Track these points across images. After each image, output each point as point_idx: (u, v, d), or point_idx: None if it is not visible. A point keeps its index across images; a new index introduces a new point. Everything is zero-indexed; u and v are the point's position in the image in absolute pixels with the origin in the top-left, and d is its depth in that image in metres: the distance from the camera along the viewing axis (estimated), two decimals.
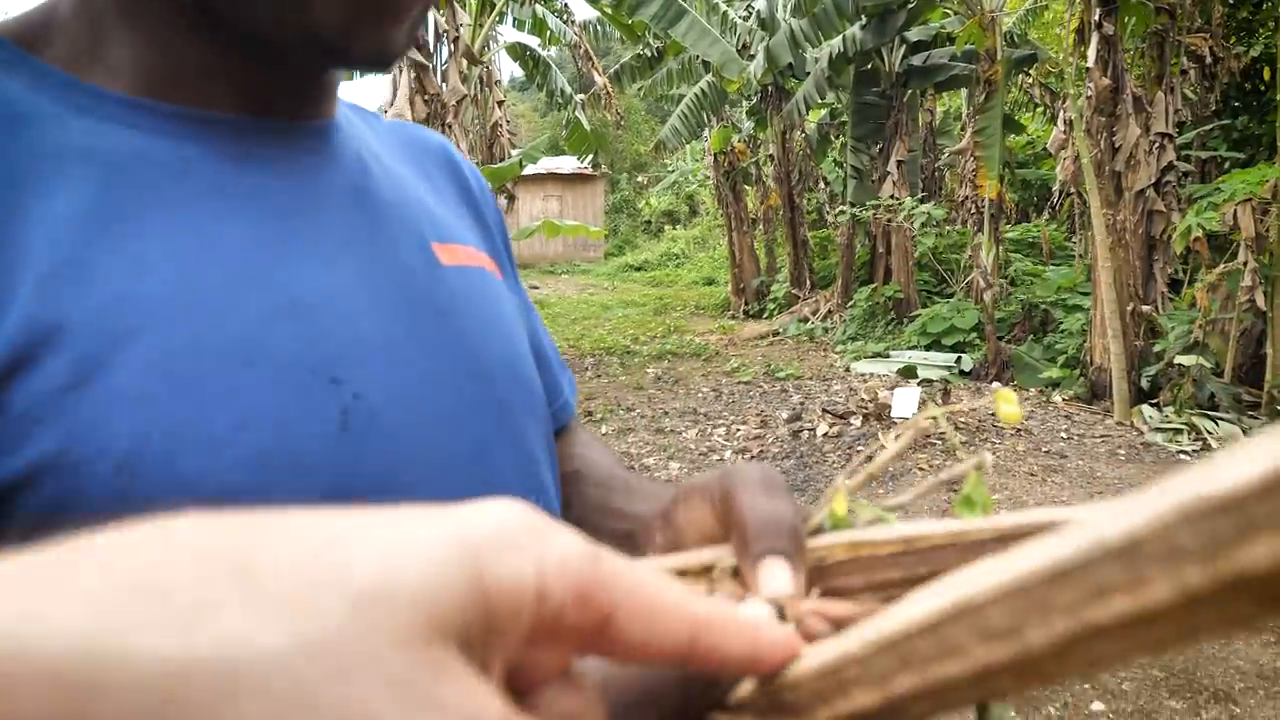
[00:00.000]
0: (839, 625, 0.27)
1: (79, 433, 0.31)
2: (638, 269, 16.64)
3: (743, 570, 0.29)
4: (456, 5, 5.04)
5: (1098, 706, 2.10)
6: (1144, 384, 4.81)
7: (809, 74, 7.79)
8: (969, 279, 7.18)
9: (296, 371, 0.36)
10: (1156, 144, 4.88)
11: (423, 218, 0.48)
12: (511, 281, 0.59)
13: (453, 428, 0.43)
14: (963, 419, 4.69)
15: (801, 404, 5.41)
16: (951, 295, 7.62)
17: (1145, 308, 4.98)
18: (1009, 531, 0.25)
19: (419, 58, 4.65)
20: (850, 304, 8.28)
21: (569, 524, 0.46)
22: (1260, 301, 4.12)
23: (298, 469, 0.35)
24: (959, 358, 6.31)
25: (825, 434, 4.60)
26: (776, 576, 0.27)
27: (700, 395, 5.94)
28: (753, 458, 4.36)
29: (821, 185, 10.91)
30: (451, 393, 0.43)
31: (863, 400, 4.98)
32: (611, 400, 5.85)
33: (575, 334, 8.90)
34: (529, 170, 13.58)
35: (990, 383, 5.94)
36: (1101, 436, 4.42)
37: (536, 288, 14.33)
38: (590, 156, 6.85)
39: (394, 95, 4.68)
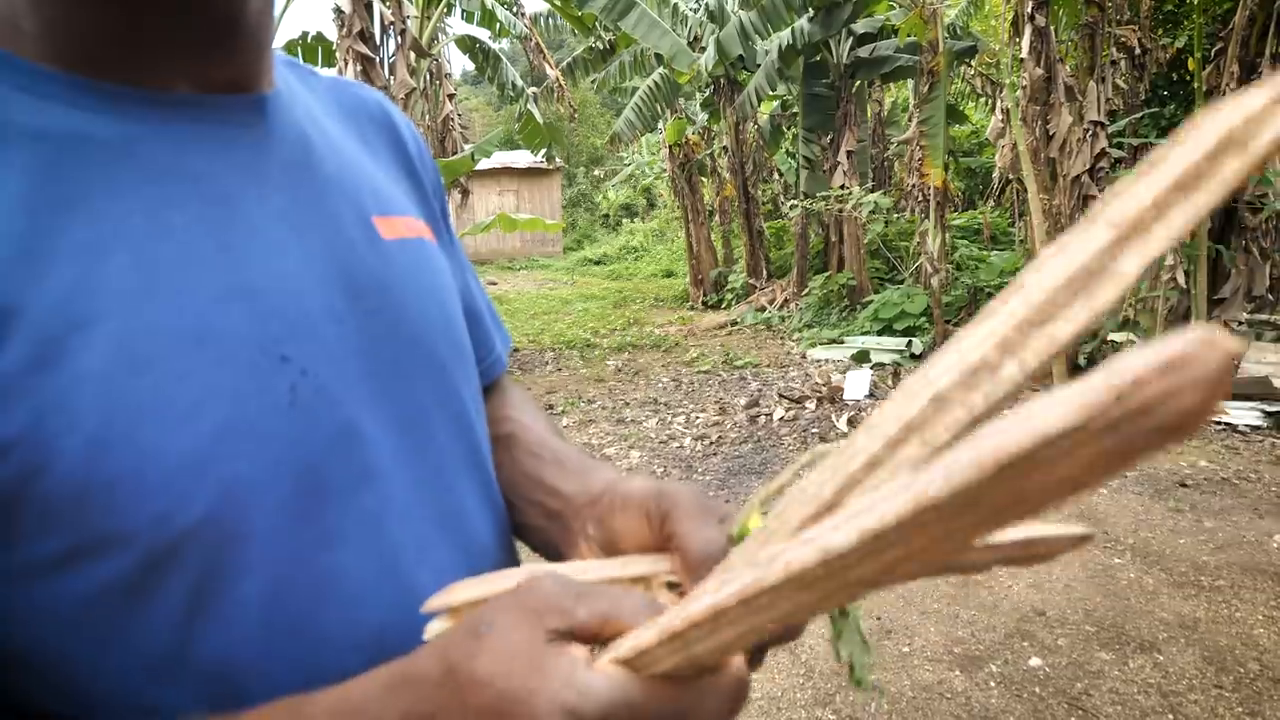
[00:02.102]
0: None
1: (48, 410, 0.33)
2: (597, 263, 16.62)
3: (685, 586, 0.36)
4: None
5: (1035, 662, 2.22)
6: (1080, 360, 5.04)
7: (760, 66, 7.89)
8: (917, 265, 7.40)
9: (247, 350, 0.38)
10: (1089, 131, 5.09)
11: (364, 190, 0.49)
12: (446, 242, 0.60)
13: (390, 396, 0.45)
14: None
15: (759, 391, 5.51)
16: (902, 281, 7.83)
17: None
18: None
19: (364, 49, 4.58)
20: (806, 292, 8.44)
21: (500, 486, 0.51)
22: (1182, 280, 4.35)
23: (252, 440, 0.37)
24: (910, 341, 6.49)
25: (781, 418, 4.70)
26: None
27: (660, 385, 6.00)
28: (711, 444, 4.44)
29: (776, 176, 11.08)
30: (389, 365, 0.45)
31: (817, 385, 5.10)
32: (572, 393, 5.87)
33: (535, 329, 8.88)
34: (484, 165, 13.44)
35: None
36: None
37: (495, 284, 14.22)
38: (544, 150, 6.83)
39: None
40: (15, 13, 0.37)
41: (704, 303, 10.26)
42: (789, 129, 9.83)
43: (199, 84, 0.41)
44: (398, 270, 0.48)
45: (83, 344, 0.34)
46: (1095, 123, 5.07)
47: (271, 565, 0.38)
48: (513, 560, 0.54)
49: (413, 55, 5.05)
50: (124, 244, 0.36)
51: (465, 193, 6.82)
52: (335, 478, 0.41)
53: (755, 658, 0.38)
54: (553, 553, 0.51)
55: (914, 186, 7.55)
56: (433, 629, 0.37)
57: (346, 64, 4.58)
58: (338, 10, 4.54)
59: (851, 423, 4.48)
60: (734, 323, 8.61)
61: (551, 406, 5.49)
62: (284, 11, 5.55)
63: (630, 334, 8.19)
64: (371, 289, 0.45)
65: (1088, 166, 5.05)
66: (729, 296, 9.86)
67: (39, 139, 0.36)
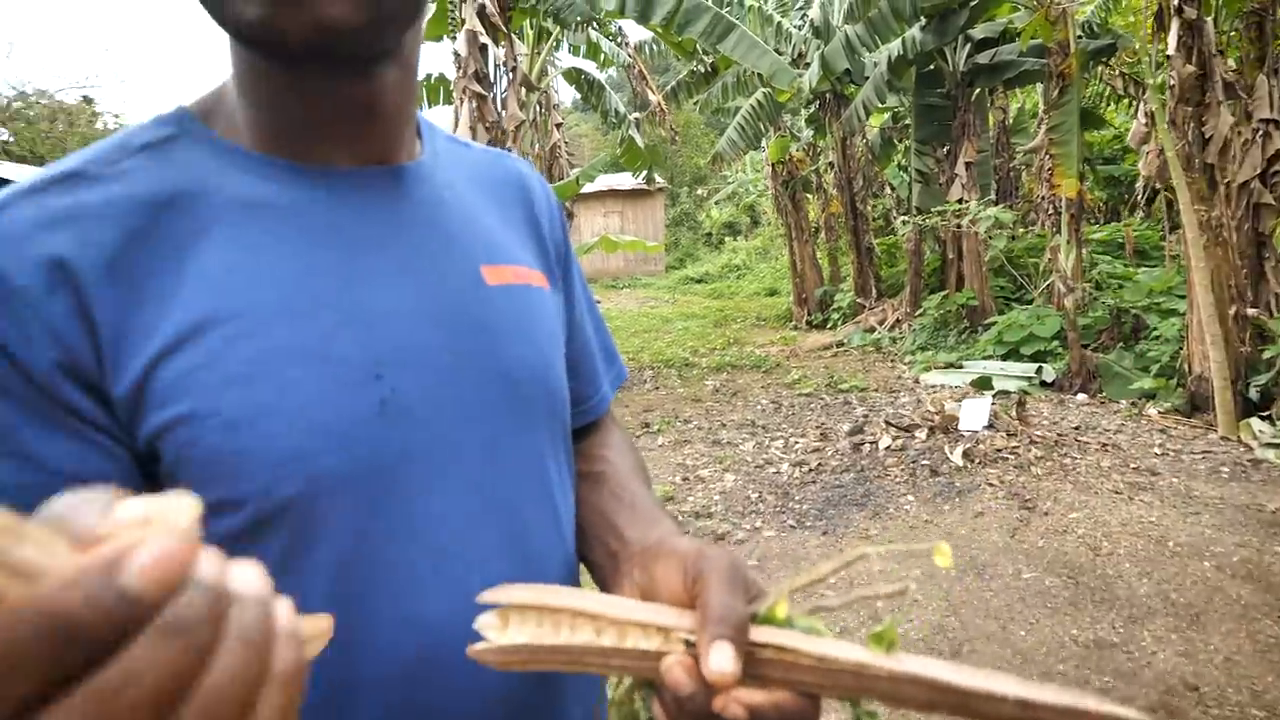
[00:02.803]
0: (752, 712, 0.36)
1: (202, 400, 0.44)
2: (698, 281, 16.60)
3: (699, 644, 0.37)
4: (515, 38, 5.18)
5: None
6: (1253, 394, 4.44)
7: (868, 78, 7.62)
8: (1048, 283, 6.84)
9: (351, 368, 0.48)
10: (1260, 132, 4.52)
11: (478, 244, 0.58)
12: (559, 288, 0.67)
13: (470, 420, 0.53)
14: (1040, 432, 4.45)
15: (865, 416, 5.24)
16: (1030, 301, 7.27)
17: (1251, 311, 4.60)
18: (899, 676, 0.34)
19: (478, 89, 4.79)
20: (919, 312, 8.01)
21: (578, 518, 0.64)
22: None
23: (343, 440, 0.47)
24: (1040, 368, 6.00)
25: (888, 447, 4.43)
26: (723, 655, 0.36)
27: (759, 407, 5.84)
28: (811, 471, 4.24)
29: (887, 190, 10.65)
30: (475, 391, 0.53)
31: (929, 413, 4.78)
32: (669, 412, 5.82)
33: (634, 347, 8.93)
34: (590, 188, 13.78)
35: (1075, 393, 5.62)
36: (1203, 452, 4.10)
37: (599, 301, 14.49)
38: (644, 173, 6.88)
39: (455, 124, 4.84)
40: (232, 110, 0.52)
41: (808, 322, 9.98)
42: (901, 142, 9.43)
43: (352, 159, 0.53)
44: (496, 313, 0.56)
45: (233, 353, 0.45)
46: (1268, 121, 4.49)
47: (342, 545, 0.47)
48: (573, 583, 0.60)
49: (523, 90, 5.22)
50: (277, 281, 0.47)
51: (570, 215, 6.98)
52: (406, 483, 0.49)
53: None
54: (603, 589, 0.56)
55: (1044, 198, 7.02)
56: (482, 621, 0.39)
57: (462, 102, 4.80)
58: (456, 54, 4.79)
59: (967, 456, 4.16)
60: (840, 344, 8.29)
61: (648, 425, 5.46)
62: None
63: (730, 354, 8.06)
64: (468, 327, 0.54)
65: (1258, 170, 4.48)
66: (835, 316, 9.53)
67: (240, 203, 0.49)
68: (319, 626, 0.29)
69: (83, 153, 0.48)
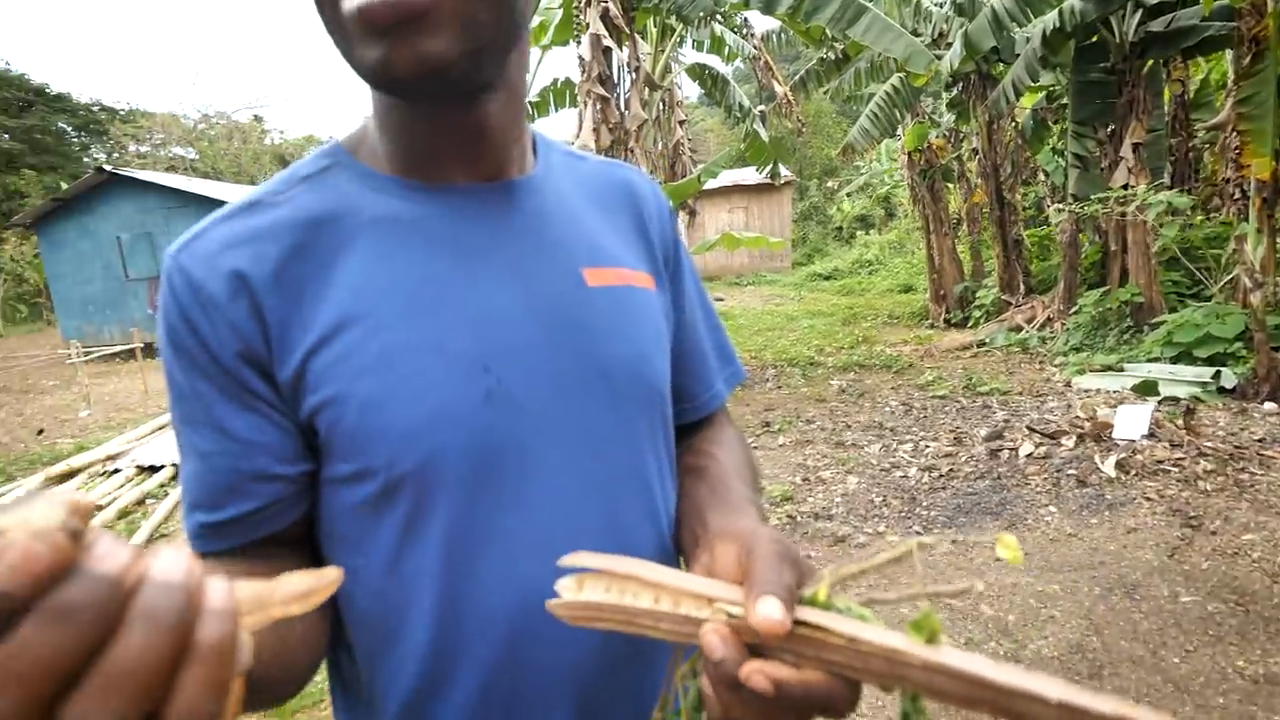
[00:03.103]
0: (777, 686, 0.37)
1: (343, 386, 0.53)
2: (827, 277, 16.05)
3: (745, 606, 0.39)
4: (638, 37, 5.26)
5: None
6: None
7: (1018, 56, 7.05)
8: (1231, 277, 6.04)
9: (463, 361, 0.55)
10: None
11: (581, 249, 0.63)
12: (666, 289, 0.72)
13: (569, 408, 0.58)
14: (1212, 444, 3.95)
15: (1005, 421, 4.88)
16: (1209, 298, 6.45)
17: None
18: (934, 666, 0.34)
19: (601, 91, 4.92)
20: (1074, 310, 7.33)
21: (677, 510, 0.70)
22: None
23: (454, 425, 0.54)
24: (1218, 372, 5.31)
25: (1030, 455, 4.10)
26: (769, 605, 0.37)
27: (888, 409, 5.59)
28: (941, 476, 4.01)
29: (1041, 177, 9.82)
30: (574, 383, 0.59)
31: (1078, 419, 4.37)
32: (791, 412, 5.71)
33: (757, 345, 8.81)
34: (714, 183, 13.71)
35: (1262, 401, 4.93)
36: None
37: (721, 299, 14.38)
38: (769, 167, 6.76)
39: (579, 127, 5.00)
40: (373, 141, 0.61)
41: (946, 321, 9.40)
42: (1056, 123, 8.65)
43: (468, 176, 0.60)
44: (595, 312, 0.61)
45: (368, 346, 0.54)
46: None
47: (454, 515, 0.55)
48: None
49: (646, 90, 5.31)
50: (403, 286, 0.56)
51: (692, 213, 7.00)
52: (510, 464, 0.56)
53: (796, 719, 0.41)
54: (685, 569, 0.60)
55: (1230, 181, 6.20)
56: (561, 584, 0.43)
57: (586, 105, 4.95)
58: (580, 59, 4.95)
59: (1121, 466, 3.77)
60: (981, 343, 7.75)
61: (768, 425, 5.38)
62: (538, 66, 6.20)
63: (858, 353, 7.77)
64: (568, 325, 0.59)
65: None
66: (976, 314, 8.92)
67: (376, 219, 0.57)
68: (324, 579, 0.32)
69: (264, 185, 0.59)
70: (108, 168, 13.18)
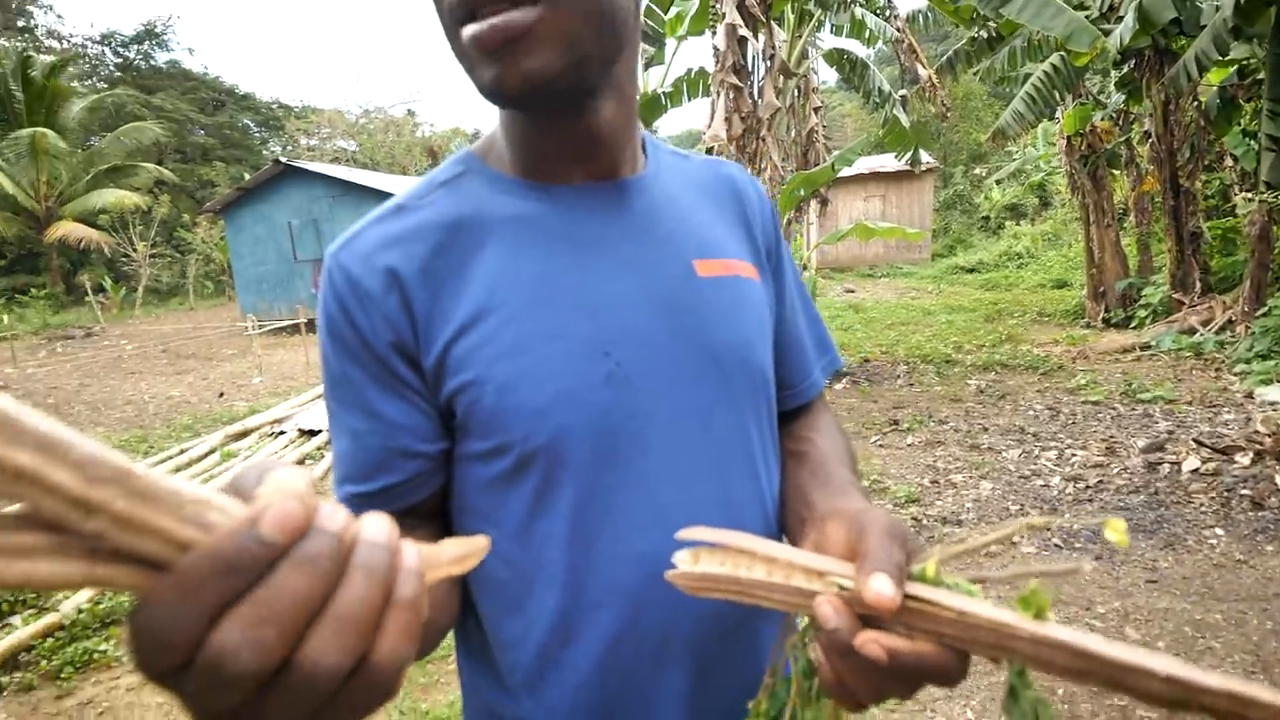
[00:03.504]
0: (891, 655, 0.39)
1: (481, 370, 0.59)
2: (970, 270, 15.06)
3: (857, 580, 0.41)
4: (774, 25, 5.20)
5: None
6: None
7: (1203, 28, 6.30)
8: None
9: (584, 346, 0.60)
10: None
11: (690, 240, 0.68)
12: (769, 280, 0.76)
13: (683, 390, 0.63)
14: None
15: (1168, 433, 4.46)
16: None
17: None
18: (1040, 638, 0.35)
19: (735, 80, 4.92)
20: (1263, 312, 6.51)
21: (781, 493, 0.76)
22: None
23: (578, 405, 0.59)
24: None
25: (1195, 471, 3.74)
26: (881, 581, 0.39)
27: (1031, 413, 5.25)
28: (1088, 488, 3.74)
29: (1227, 163, 8.74)
30: (687, 367, 0.63)
31: (1258, 434, 3.92)
32: (922, 410, 5.49)
33: (889, 339, 8.48)
34: (848, 171, 13.23)
35: None
36: None
37: (852, 291, 13.90)
38: (909, 154, 6.47)
39: (711, 116, 5.03)
40: (500, 148, 0.67)
41: (1105, 320, 8.61)
42: (1249, 102, 7.66)
43: (585, 176, 0.66)
44: (704, 300, 0.66)
45: (501, 334, 0.60)
46: None
47: (579, 489, 0.60)
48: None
49: (780, 78, 5.24)
50: (530, 278, 0.62)
51: (824, 202, 6.84)
52: (630, 441, 0.61)
53: (907, 687, 0.43)
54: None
55: None
56: (679, 557, 0.45)
57: (719, 95, 4.97)
58: (715, 49, 4.97)
59: None
60: (1145, 346, 7.06)
61: (896, 423, 5.21)
62: (673, 57, 6.27)
63: (1001, 352, 7.30)
64: (680, 311, 0.64)
65: None
66: (1141, 314, 8.11)
67: (505, 219, 0.64)
68: (475, 545, 0.36)
69: (407, 189, 0.67)
70: (283, 160, 14.64)
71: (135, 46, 31.26)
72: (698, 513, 0.61)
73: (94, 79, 29.08)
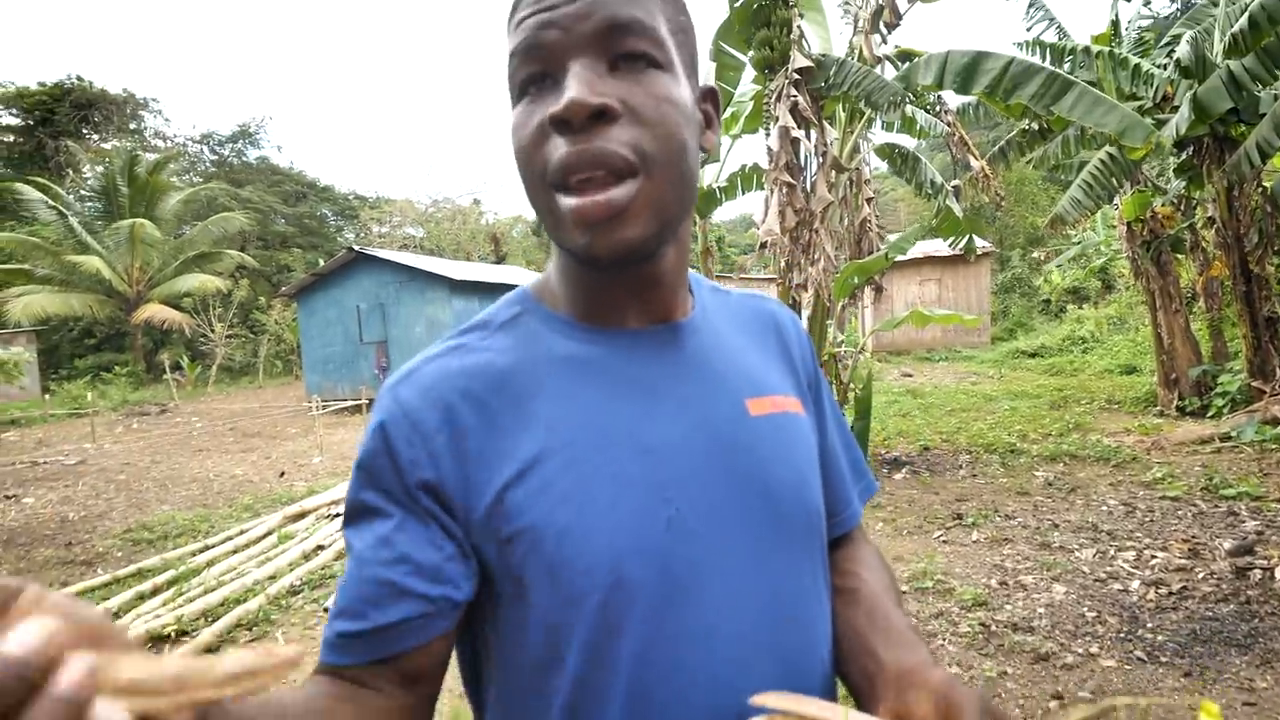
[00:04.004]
0: None
1: (540, 516, 0.58)
2: (1032, 355, 14.67)
3: None
4: (826, 124, 5.42)
5: None
6: None
7: (1263, 115, 6.27)
8: None
9: (644, 491, 0.59)
10: None
11: (742, 380, 0.68)
12: (812, 410, 0.77)
13: (741, 534, 0.62)
14: None
15: (1258, 534, 4.19)
16: None
17: None
18: None
19: (788, 178, 5.10)
20: None
21: (835, 635, 0.70)
22: None
23: (638, 552, 0.58)
24: None
25: None
26: None
27: (1104, 509, 5.01)
28: (1171, 595, 3.52)
29: None
30: (743, 510, 0.62)
31: None
32: (987, 504, 5.29)
33: (950, 427, 8.26)
34: (902, 256, 13.26)
35: None
36: None
37: (910, 375, 13.67)
38: (964, 241, 6.50)
39: (766, 211, 5.20)
40: (556, 289, 0.69)
41: (1179, 409, 8.24)
42: None
43: (641, 320, 0.67)
44: (759, 440, 0.66)
45: (560, 481, 0.58)
46: None
47: (638, 641, 0.57)
48: (830, 694, 0.66)
49: (833, 173, 5.41)
50: (589, 422, 0.61)
51: (879, 289, 6.88)
52: (689, 590, 0.59)
53: None
54: (860, 708, 0.62)
55: None
56: None
57: (773, 191, 5.15)
58: (769, 149, 5.19)
59: None
60: (1225, 437, 6.71)
61: (960, 517, 5.03)
62: (728, 154, 6.55)
63: (1069, 441, 7.03)
64: (736, 453, 0.64)
65: None
66: (1218, 402, 7.74)
67: (563, 361, 0.64)
68: (270, 660, 0.31)
69: (466, 327, 0.68)
70: (356, 247, 15.57)
71: (230, 145, 34.18)
72: (755, 665, 0.60)
73: (191, 174, 31.77)
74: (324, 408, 12.25)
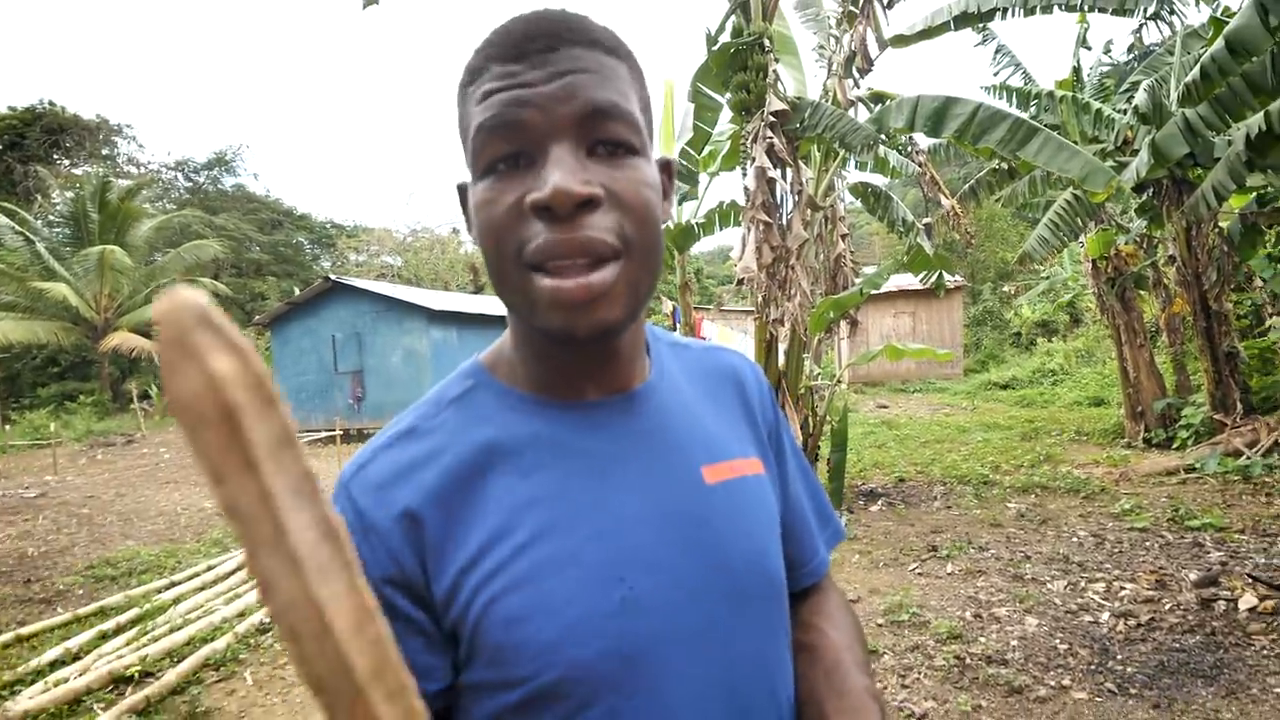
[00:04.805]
0: None
1: (491, 602, 0.57)
2: (1003, 387, 14.94)
3: None
4: (801, 163, 5.57)
5: None
6: None
7: (1218, 160, 6.56)
8: None
9: (598, 573, 0.59)
10: None
11: (698, 447, 0.67)
12: (777, 465, 0.77)
13: (698, 609, 0.61)
14: None
15: (1222, 564, 4.29)
16: None
17: None
18: None
19: (764, 217, 5.22)
20: None
21: (795, 694, 0.70)
22: None
23: (591, 635, 0.57)
24: None
25: (1252, 610, 3.56)
26: None
27: (1075, 540, 5.09)
28: (1140, 626, 3.58)
29: (1258, 284, 8.80)
30: (701, 585, 0.62)
31: None
32: (961, 535, 5.36)
33: (925, 458, 8.37)
34: (877, 290, 13.44)
35: None
36: None
37: (885, 406, 13.84)
38: (935, 277, 6.67)
39: (743, 248, 5.30)
40: (511, 362, 0.67)
41: (1146, 440, 8.44)
42: (1271, 228, 7.81)
43: (599, 390, 0.65)
44: (715, 511, 0.65)
45: (513, 565, 0.58)
46: None
47: None
48: None
49: (808, 211, 5.55)
50: (544, 501, 0.60)
51: (854, 323, 7.00)
52: (647, 668, 0.58)
53: None
54: None
55: None
56: None
57: (750, 230, 5.27)
58: (746, 189, 5.32)
59: None
60: (1190, 468, 6.88)
61: (935, 549, 5.08)
62: (705, 191, 6.69)
63: (1040, 473, 7.16)
64: (692, 526, 0.63)
65: None
66: (1182, 435, 7.94)
67: (518, 438, 0.63)
68: None
69: (415, 409, 0.66)
70: (333, 276, 15.47)
71: (206, 172, 33.96)
72: None
73: (165, 200, 31.45)
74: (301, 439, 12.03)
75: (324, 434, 13.09)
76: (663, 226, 0.62)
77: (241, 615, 4.43)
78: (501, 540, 0.58)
